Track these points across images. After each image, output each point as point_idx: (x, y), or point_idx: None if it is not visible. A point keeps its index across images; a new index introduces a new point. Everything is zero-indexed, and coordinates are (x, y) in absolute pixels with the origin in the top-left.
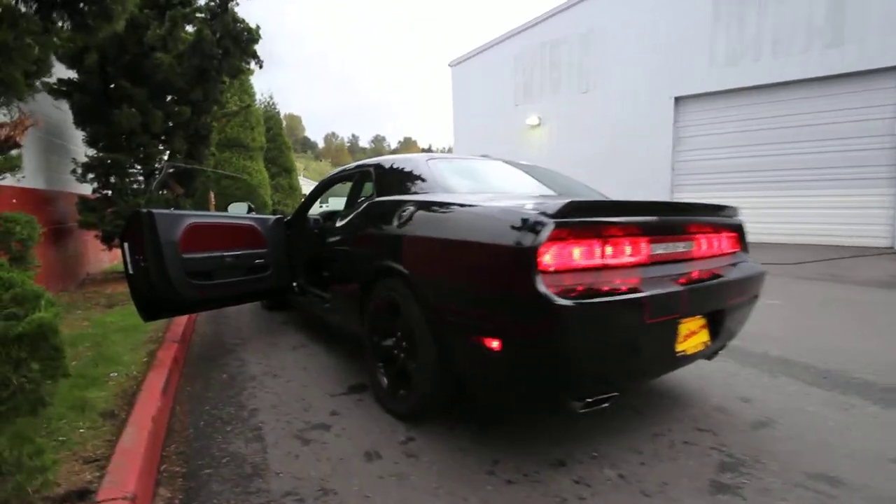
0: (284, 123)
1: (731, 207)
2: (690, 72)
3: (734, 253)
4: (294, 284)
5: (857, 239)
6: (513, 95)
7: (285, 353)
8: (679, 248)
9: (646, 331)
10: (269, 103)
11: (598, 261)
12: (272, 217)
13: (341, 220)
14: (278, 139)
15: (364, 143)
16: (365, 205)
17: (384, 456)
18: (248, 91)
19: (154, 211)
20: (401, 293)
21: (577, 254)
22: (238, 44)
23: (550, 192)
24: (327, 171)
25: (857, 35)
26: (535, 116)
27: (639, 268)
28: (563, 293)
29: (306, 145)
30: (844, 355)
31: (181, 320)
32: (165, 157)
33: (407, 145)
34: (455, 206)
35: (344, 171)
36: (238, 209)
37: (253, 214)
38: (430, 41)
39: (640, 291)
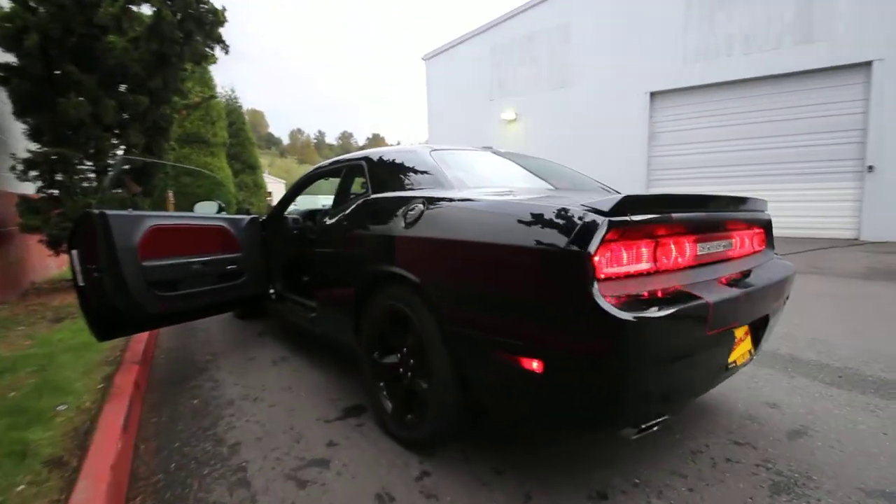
0: (247, 119)
1: (762, 200)
2: (664, 67)
3: (764, 251)
4: (271, 291)
5: (826, 231)
6: (488, 89)
7: (265, 369)
8: (721, 247)
9: (709, 343)
10: (230, 97)
11: (652, 264)
12: (246, 217)
13: (329, 219)
14: (241, 134)
15: (331, 139)
16: (358, 202)
17: (398, 498)
18: (208, 83)
19: (108, 212)
20: (408, 303)
21: (634, 257)
22: (201, 26)
23: (571, 187)
24: (293, 168)
25: (825, 32)
26: (510, 111)
27: (690, 270)
28: (624, 304)
29: (270, 142)
30: (848, 350)
31: (142, 336)
32: (120, 152)
33: (375, 141)
34: (481, 204)
35: (328, 165)
36: (206, 209)
37: (224, 214)
38: (397, 35)
39: (701, 298)
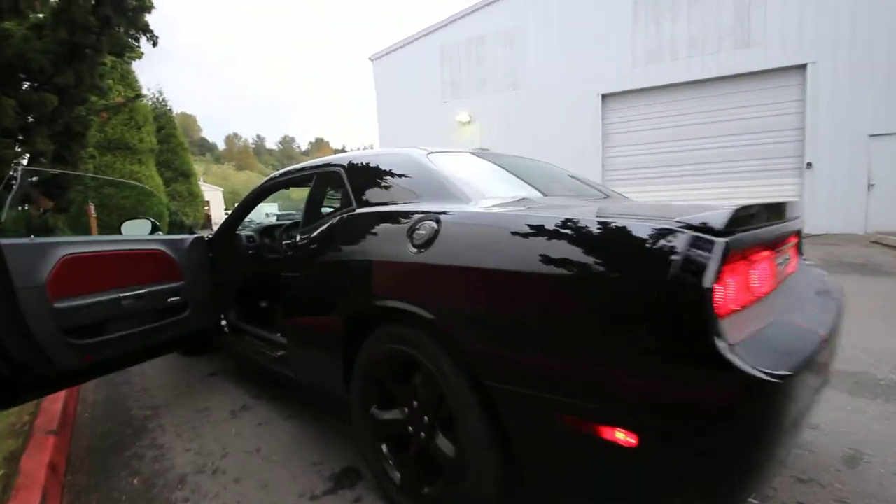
0: (178, 123)
1: (796, 204)
2: (615, 69)
3: (800, 261)
4: (223, 323)
5: None
6: (440, 91)
7: (222, 424)
8: (784, 263)
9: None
10: (158, 99)
11: (754, 292)
12: (188, 237)
13: (301, 236)
14: (172, 140)
15: (271, 144)
16: (338, 219)
17: None
18: (132, 84)
19: (1, 241)
20: (419, 346)
21: (745, 286)
22: (122, 13)
23: (604, 191)
24: (231, 174)
25: (762, 36)
26: (465, 113)
27: (778, 296)
28: (751, 353)
29: (204, 147)
30: (849, 351)
31: (59, 394)
32: (24, 162)
33: (319, 146)
34: (526, 220)
35: (295, 172)
36: (137, 228)
37: (160, 235)
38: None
39: (818, 333)
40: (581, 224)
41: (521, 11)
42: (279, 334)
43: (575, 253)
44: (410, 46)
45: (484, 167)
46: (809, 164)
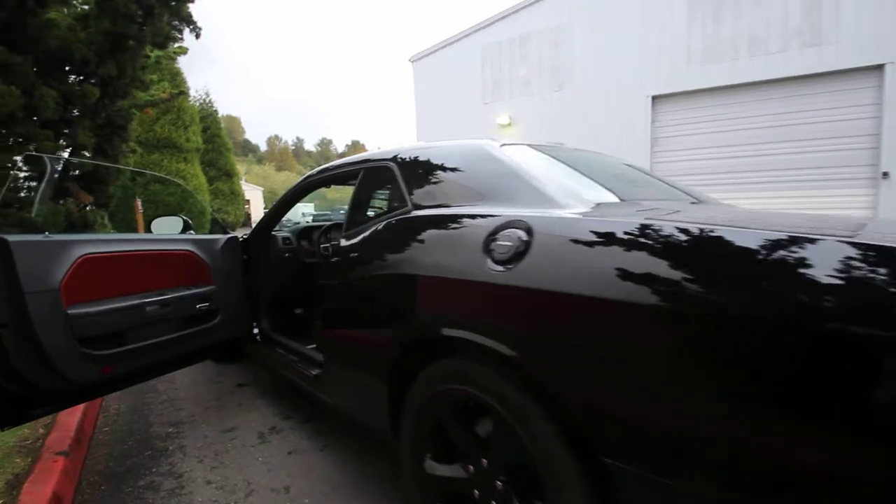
0: (223, 124)
1: None
2: (667, 70)
3: None
4: (255, 331)
5: None
6: (481, 93)
7: (250, 450)
8: None
9: None
10: (205, 101)
11: None
12: (222, 237)
13: (346, 240)
14: (216, 140)
15: (309, 146)
16: (391, 222)
17: None
18: (180, 85)
19: (10, 238)
20: (500, 393)
21: None
22: (165, 2)
23: (695, 195)
24: (271, 175)
25: (833, 35)
26: (505, 115)
27: None
28: None
29: (247, 148)
30: None
31: (76, 407)
32: (66, 154)
33: (355, 148)
34: (673, 233)
35: (335, 168)
36: (167, 227)
37: (191, 234)
38: (377, 39)
39: None
40: (755, 242)
41: (568, 9)
42: (315, 350)
43: (750, 282)
44: (451, 48)
45: (564, 164)
46: (886, 174)
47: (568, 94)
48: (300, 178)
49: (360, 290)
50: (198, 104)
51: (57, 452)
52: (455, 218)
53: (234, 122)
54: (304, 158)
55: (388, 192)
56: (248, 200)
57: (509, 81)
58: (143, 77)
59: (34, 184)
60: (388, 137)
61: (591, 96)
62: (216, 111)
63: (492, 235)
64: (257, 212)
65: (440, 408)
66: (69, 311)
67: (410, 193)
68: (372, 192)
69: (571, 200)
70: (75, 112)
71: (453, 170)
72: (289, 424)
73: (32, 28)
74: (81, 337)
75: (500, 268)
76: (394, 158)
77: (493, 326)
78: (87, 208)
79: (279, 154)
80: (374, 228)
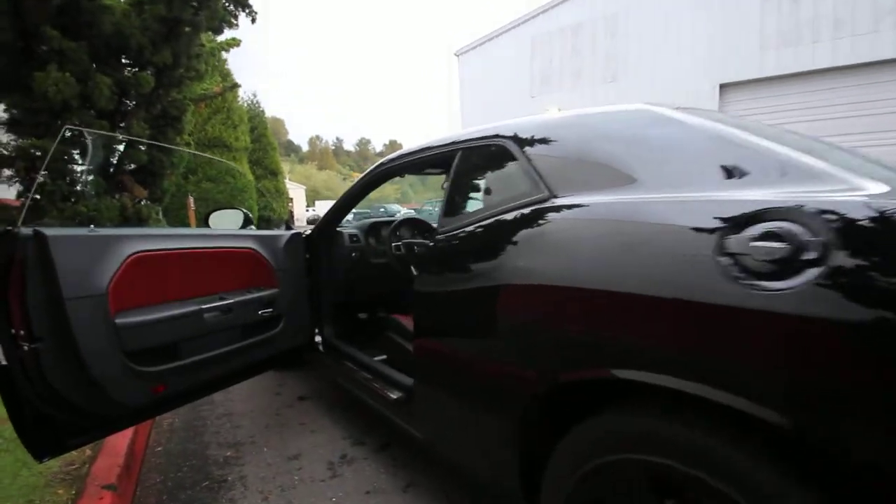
0: (269, 125)
1: None
2: (736, 56)
3: None
4: (318, 339)
5: None
6: (529, 85)
7: (319, 486)
8: None
9: None
10: (252, 102)
11: None
12: (285, 233)
13: (446, 236)
14: (263, 140)
15: (349, 145)
16: (530, 213)
17: None
18: (229, 80)
19: (48, 233)
20: (738, 475)
21: None
22: None
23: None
24: (313, 174)
25: None
26: (554, 108)
27: None
28: None
29: (290, 149)
30: None
31: (125, 432)
32: (121, 148)
33: (392, 147)
34: None
35: (418, 153)
36: (226, 220)
37: (252, 229)
38: (415, 41)
39: None
40: None
41: None
42: (387, 363)
43: None
44: (498, 39)
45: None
46: None
47: (623, 84)
48: (371, 168)
49: (478, 301)
50: (245, 105)
51: (104, 486)
52: (657, 207)
53: (278, 123)
54: (343, 158)
55: (493, 177)
56: (291, 199)
57: (559, 73)
58: (197, 66)
59: (90, 177)
60: (426, 137)
61: (648, 86)
62: (263, 111)
63: (737, 231)
64: (300, 210)
65: (612, 485)
66: (117, 321)
67: (545, 177)
68: (475, 179)
69: (860, 180)
70: (130, 104)
71: (617, 143)
72: (361, 452)
73: (87, 12)
74: (131, 350)
75: (759, 283)
76: (513, 136)
77: (744, 375)
78: (142, 203)
79: (320, 154)
80: (491, 223)
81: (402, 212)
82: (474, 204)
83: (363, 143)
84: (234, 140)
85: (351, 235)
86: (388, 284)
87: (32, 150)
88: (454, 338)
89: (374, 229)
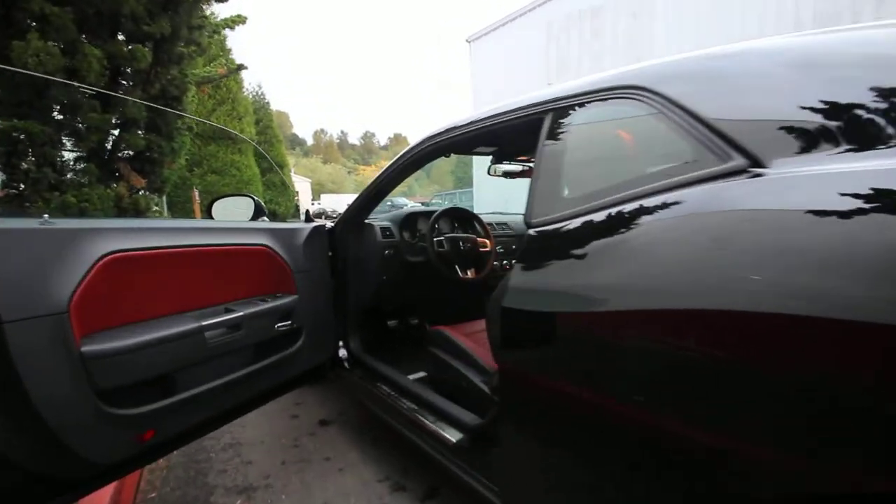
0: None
1: None
2: (773, 33)
3: None
4: (342, 353)
5: None
6: (545, 73)
7: None
8: None
9: None
10: (257, 93)
11: None
12: (305, 226)
13: (549, 225)
14: (268, 132)
15: (353, 139)
16: (713, 190)
17: None
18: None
19: None
20: None
21: None
22: None
23: None
24: (318, 167)
25: None
26: None
27: None
28: None
29: (295, 142)
30: None
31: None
32: (115, 132)
33: (397, 141)
34: None
35: (478, 122)
36: (232, 209)
37: (265, 222)
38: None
39: None
40: None
41: None
42: (428, 384)
43: None
44: (513, 24)
45: None
46: None
47: None
48: (412, 146)
49: (657, 326)
50: (251, 96)
51: None
52: None
53: (283, 116)
54: (347, 151)
55: (627, 143)
56: (297, 192)
57: (578, 59)
58: (199, 39)
59: (82, 164)
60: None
61: None
62: (268, 103)
63: None
64: (305, 203)
65: None
66: (84, 349)
67: (739, 138)
68: (584, 149)
69: None
70: (125, 83)
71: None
72: (402, 501)
73: None
74: (104, 389)
75: None
76: (652, 90)
77: None
78: (140, 193)
79: (325, 147)
80: (636, 209)
81: (408, 205)
82: (579, 182)
83: (368, 137)
84: (240, 132)
85: (384, 229)
86: (428, 288)
87: (14, 133)
88: (593, 375)
89: (408, 222)
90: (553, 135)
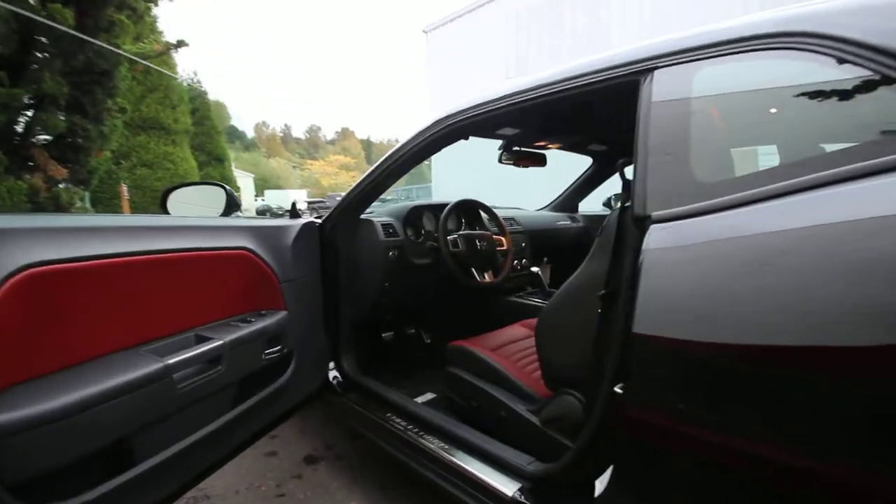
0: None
1: None
2: None
3: None
4: (333, 375)
5: None
6: (504, 66)
7: None
8: None
9: None
10: (193, 80)
11: None
12: (293, 223)
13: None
14: (206, 123)
15: (298, 133)
16: None
17: None
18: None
19: None
20: None
21: None
22: None
23: None
24: (261, 161)
25: None
26: None
27: None
28: None
29: (234, 135)
30: None
31: None
32: (30, 113)
33: (344, 135)
34: None
35: (518, 94)
36: (196, 201)
37: (239, 217)
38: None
39: None
40: None
41: None
42: (452, 415)
43: None
44: (471, 15)
45: None
46: None
47: None
48: (429, 123)
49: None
50: (186, 84)
51: None
52: None
53: (221, 108)
54: (291, 145)
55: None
56: (239, 188)
57: (537, 52)
58: (133, 2)
59: None
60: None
61: None
62: (205, 92)
63: None
64: (248, 199)
65: None
66: None
67: None
68: (703, 120)
69: None
70: (39, 54)
71: None
72: None
73: None
74: (17, 483)
75: None
76: (830, 35)
77: None
78: (61, 185)
79: (267, 141)
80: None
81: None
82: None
83: (313, 131)
84: (174, 122)
85: (385, 226)
86: (437, 295)
87: None
88: (798, 432)
89: (412, 217)
90: (666, 102)
